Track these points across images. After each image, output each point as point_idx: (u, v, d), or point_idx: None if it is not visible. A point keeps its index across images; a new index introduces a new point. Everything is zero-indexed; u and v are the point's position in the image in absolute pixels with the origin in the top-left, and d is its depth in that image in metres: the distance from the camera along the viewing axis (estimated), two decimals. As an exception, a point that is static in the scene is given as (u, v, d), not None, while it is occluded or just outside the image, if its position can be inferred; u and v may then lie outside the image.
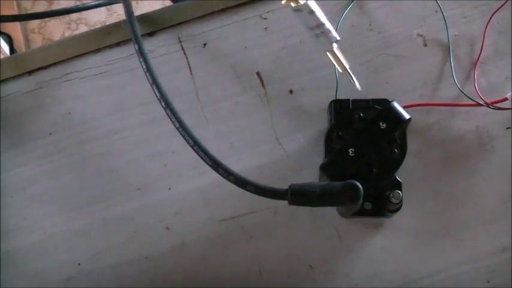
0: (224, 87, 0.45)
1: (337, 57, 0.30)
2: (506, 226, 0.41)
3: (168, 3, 0.79)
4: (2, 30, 0.48)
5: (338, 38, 0.29)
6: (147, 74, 0.39)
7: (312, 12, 0.30)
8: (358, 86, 0.30)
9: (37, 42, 1.35)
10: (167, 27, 0.46)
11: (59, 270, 0.42)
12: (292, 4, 0.29)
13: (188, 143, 0.36)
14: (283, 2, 0.30)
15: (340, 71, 0.30)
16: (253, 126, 0.44)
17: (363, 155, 0.37)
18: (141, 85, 0.44)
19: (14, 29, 1.26)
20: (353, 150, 0.37)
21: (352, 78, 0.30)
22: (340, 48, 0.44)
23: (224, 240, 0.42)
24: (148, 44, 0.44)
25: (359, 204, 0.35)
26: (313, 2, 0.29)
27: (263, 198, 0.35)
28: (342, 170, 0.37)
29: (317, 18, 0.30)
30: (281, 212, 0.42)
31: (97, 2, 0.48)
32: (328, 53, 0.30)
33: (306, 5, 0.29)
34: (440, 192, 0.42)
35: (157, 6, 0.49)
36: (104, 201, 0.43)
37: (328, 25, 0.30)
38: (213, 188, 0.43)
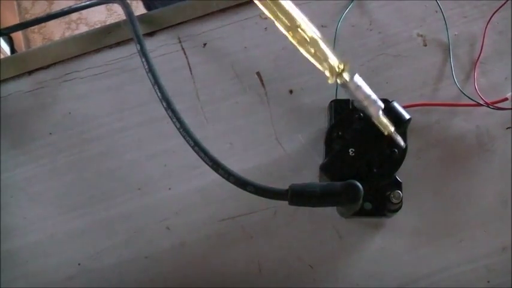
0: (224, 87, 0.45)
1: (385, 122, 0.33)
2: (506, 226, 0.41)
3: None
4: (3, 31, 0.48)
5: (383, 106, 0.32)
6: (149, 74, 0.39)
7: (358, 87, 0.32)
8: (402, 143, 0.33)
9: (37, 42, 1.35)
10: (167, 27, 0.46)
11: (59, 270, 0.42)
12: (339, 81, 0.31)
13: (189, 143, 0.36)
14: (330, 82, 0.32)
15: (386, 133, 0.33)
16: (253, 126, 0.44)
17: (363, 155, 0.37)
18: (142, 85, 0.44)
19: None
20: (353, 150, 0.37)
21: (397, 139, 0.33)
22: (340, 48, 0.45)
23: (224, 240, 0.42)
24: (148, 44, 0.44)
25: (359, 204, 0.35)
26: (359, 77, 0.31)
27: (263, 198, 0.35)
28: (342, 170, 0.37)
29: (364, 92, 0.32)
30: (281, 212, 0.42)
31: (96, 1, 0.48)
32: (375, 121, 0.32)
33: (353, 82, 0.32)
34: (440, 192, 0.42)
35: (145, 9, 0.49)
36: (104, 201, 0.43)
37: (374, 96, 0.32)
38: (213, 188, 0.43)
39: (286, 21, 0.31)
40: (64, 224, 0.43)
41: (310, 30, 0.31)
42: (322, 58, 0.31)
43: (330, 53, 0.31)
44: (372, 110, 0.32)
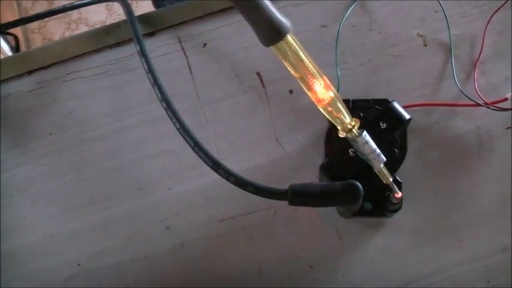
0: (224, 87, 0.45)
1: (385, 174, 0.36)
2: (506, 226, 0.41)
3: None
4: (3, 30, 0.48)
5: (385, 159, 0.35)
6: (149, 75, 0.39)
7: (366, 142, 0.35)
8: (399, 194, 0.37)
9: (37, 42, 1.35)
10: (167, 27, 0.46)
11: (59, 270, 0.42)
12: (349, 135, 0.35)
13: (189, 144, 0.36)
14: (340, 135, 0.35)
15: (385, 182, 0.36)
16: (253, 126, 0.44)
17: (363, 155, 0.37)
18: (141, 85, 0.44)
19: (14, 29, 1.26)
20: (353, 150, 0.37)
21: (394, 189, 0.36)
22: (340, 48, 0.45)
23: (224, 240, 0.42)
24: (148, 44, 0.44)
25: (359, 204, 0.35)
26: (366, 134, 0.35)
27: (263, 198, 0.35)
28: (342, 170, 0.37)
29: (370, 147, 0.35)
30: (281, 212, 0.42)
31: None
32: (377, 172, 0.36)
33: (361, 137, 0.35)
34: (440, 192, 0.42)
35: (153, 7, 0.49)
36: (104, 201, 0.43)
37: (377, 150, 0.35)
38: (213, 188, 0.43)
39: (310, 83, 0.34)
40: (64, 224, 0.43)
41: (331, 91, 0.34)
42: (337, 115, 0.35)
43: (344, 111, 0.35)
44: (375, 163, 0.35)
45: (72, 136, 0.44)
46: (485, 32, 0.44)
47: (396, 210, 0.38)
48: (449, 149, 0.43)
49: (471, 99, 0.42)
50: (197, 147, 0.36)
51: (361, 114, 0.39)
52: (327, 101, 0.34)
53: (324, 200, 0.35)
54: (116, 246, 0.42)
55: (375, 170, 0.36)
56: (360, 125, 0.35)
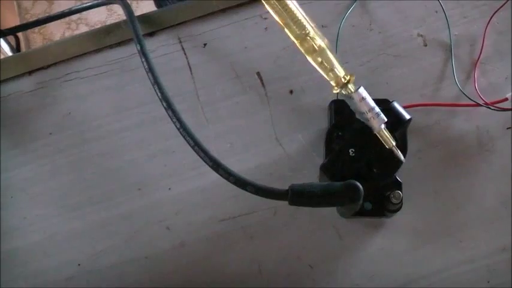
0: (224, 87, 0.45)
1: (386, 136, 0.33)
2: (506, 226, 0.41)
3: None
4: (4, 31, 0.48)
5: (385, 119, 0.32)
6: (149, 74, 0.39)
7: (363, 99, 0.32)
8: (402, 158, 0.34)
9: (37, 42, 1.35)
10: (167, 27, 0.46)
11: (59, 270, 0.42)
12: (344, 92, 0.32)
13: (189, 143, 0.36)
14: (334, 91, 0.32)
15: (387, 147, 0.33)
16: (253, 126, 0.44)
17: (363, 155, 0.37)
18: (142, 85, 0.44)
19: (14, 29, 1.26)
20: (353, 150, 0.37)
21: (398, 154, 0.33)
22: (341, 48, 0.45)
23: (224, 240, 0.42)
24: (148, 44, 0.44)
25: (359, 204, 0.35)
26: (364, 90, 0.32)
27: (263, 198, 0.35)
28: (342, 170, 0.37)
29: (368, 104, 0.32)
30: (281, 212, 0.42)
31: (96, 2, 0.48)
32: (377, 134, 0.33)
33: (357, 93, 0.32)
34: (440, 192, 0.42)
35: (155, 6, 0.49)
36: (104, 201, 0.43)
37: (377, 109, 0.32)
38: (213, 188, 0.43)
39: (296, 29, 0.31)
40: (64, 224, 0.43)
41: (319, 39, 0.32)
42: (329, 68, 0.32)
43: (336, 64, 0.32)
44: (374, 123, 0.33)
45: (72, 136, 0.44)
46: (485, 32, 0.44)
47: (396, 210, 0.38)
48: (449, 149, 0.43)
49: (471, 99, 0.42)
50: (197, 147, 0.36)
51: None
52: (317, 51, 0.31)
53: (324, 200, 0.35)
54: (116, 246, 0.42)
55: (375, 131, 0.33)
56: (362, 128, 0.34)
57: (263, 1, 0.31)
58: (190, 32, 0.46)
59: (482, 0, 0.46)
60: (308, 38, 0.32)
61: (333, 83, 0.32)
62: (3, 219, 0.43)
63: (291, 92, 0.45)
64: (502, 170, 0.42)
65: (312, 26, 0.32)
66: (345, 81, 0.32)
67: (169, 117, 0.37)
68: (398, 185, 0.38)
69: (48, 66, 0.46)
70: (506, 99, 0.41)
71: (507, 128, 0.43)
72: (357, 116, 0.34)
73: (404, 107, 0.39)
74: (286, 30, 0.32)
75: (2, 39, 1.05)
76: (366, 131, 0.37)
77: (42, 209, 0.43)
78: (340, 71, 0.32)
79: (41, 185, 0.44)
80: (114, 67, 0.46)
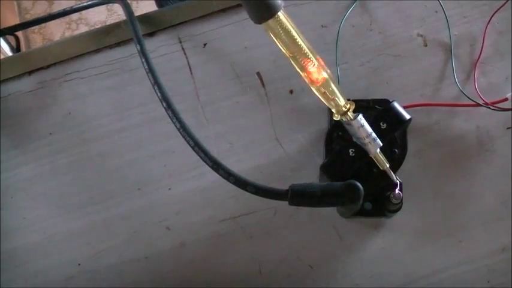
0: (224, 87, 0.45)
1: (381, 159, 0.35)
2: (506, 226, 0.41)
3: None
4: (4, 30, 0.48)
5: (381, 144, 0.35)
6: (149, 75, 0.39)
7: (361, 126, 0.35)
8: (396, 180, 0.36)
9: (37, 42, 1.35)
10: (167, 27, 0.46)
11: (59, 270, 0.42)
12: (343, 119, 0.34)
13: (189, 143, 0.36)
14: (335, 118, 0.35)
15: (381, 169, 0.36)
16: (253, 126, 0.44)
17: (363, 155, 0.37)
18: (142, 85, 0.44)
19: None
20: (353, 150, 0.37)
21: (392, 176, 0.36)
22: (341, 48, 0.45)
23: (224, 240, 0.42)
24: (148, 44, 0.44)
25: (359, 204, 0.35)
26: (362, 117, 0.34)
27: (263, 198, 0.35)
28: (342, 170, 0.37)
29: (365, 130, 0.35)
30: (281, 212, 0.42)
31: (96, 1, 0.48)
32: (373, 157, 0.35)
33: (356, 121, 0.34)
34: (440, 192, 0.42)
35: (156, 6, 0.49)
36: (104, 201, 0.43)
37: (373, 134, 0.35)
38: (213, 188, 0.43)
39: (302, 62, 0.33)
40: (64, 224, 0.43)
41: (323, 71, 0.33)
42: (331, 98, 0.34)
43: (338, 93, 0.34)
44: (371, 147, 0.35)
45: (72, 136, 0.44)
46: (485, 32, 0.44)
47: (396, 211, 0.38)
48: (449, 149, 0.43)
49: (471, 99, 0.42)
50: (197, 147, 0.36)
51: (362, 114, 0.39)
52: (320, 82, 0.33)
53: (324, 200, 0.35)
54: (116, 246, 0.42)
55: (371, 155, 0.35)
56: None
57: (270, 34, 0.32)
58: (190, 32, 0.46)
59: (482, 0, 0.46)
60: (313, 70, 0.33)
61: (334, 110, 0.35)
62: (3, 219, 0.43)
63: (291, 92, 0.45)
64: (502, 170, 0.42)
65: (316, 58, 0.33)
66: (345, 110, 0.35)
67: (169, 117, 0.37)
68: (398, 185, 0.38)
69: (48, 66, 0.46)
70: (506, 99, 0.41)
71: (507, 128, 0.43)
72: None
73: (404, 107, 0.39)
74: (291, 60, 0.33)
75: (2, 39, 1.05)
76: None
77: (42, 209, 0.43)
78: (341, 100, 0.34)
79: (41, 185, 0.44)
80: (114, 67, 0.46)
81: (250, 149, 0.44)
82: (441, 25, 0.45)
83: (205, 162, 0.36)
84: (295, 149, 0.43)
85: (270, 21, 0.31)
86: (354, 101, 0.40)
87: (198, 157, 0.36)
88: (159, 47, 0.46)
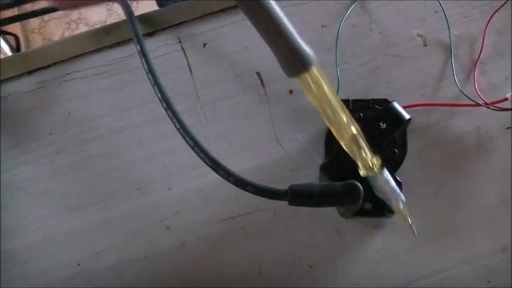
0: (224, 87, 0.45)
1: (404, 213, 0.35)
2: (506, 226, 0.41)
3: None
4: (3, 30, 0.48)
5: (404, 200, 0.35)
6: (149, 75, 0.39)
7: (386, 181, 0.34)
8: (416, 232, 0.35)
9: (37, 42, 1.35)
10: (167, 27, 0.46)
11: (59, 270, 0.42)
12: (370, 174, 0.34)
13: (188, 144, 0.36)
14: (361, 173, 0.34)
15: (405, 224, 0.35)
16: (253, 126, 0.44)
17: (363, 155, 0.37)
18: (141, 85, 0.44)
19: (14, 29, 1.26)
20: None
21: (413, 230, 0.35)
22: (340, 48, 0.45)
23: (224, 240, 0.42)
24: (148, 44, 0.44)
25: (359, 204, 0.35)
26: (387, 172, 0.35)
27: (263, 198, 0.35)
28: (342, 170, 0.37)
29: (390, 185, 0.35)
30: (281, 212, 0.42)
31: None
32: (396, 211, 0.35)
33: (382, 176, 0.34)
34: (440, 192, 0.42)
35: (157, 6, 0.49)
36: (104, 201, 0.43)
37: (397, 189, 0.35)
38: (213, 188, 0.43)
39: (332, 117, 0.33)
40: (64, 224, 0.43)
41: (352, 126, 0.33)
42: (358, 153, 0.33)
43: (366, 149, 0.34)
44: (394, 203, 0.35)
45: (72, 136, 0.44)
46: (485, 32, 0.44)
47: (396, 210, 0.38)
48: (449, 149, 0.43)
49: (471, 99, 0.42)
50: (197, 147, 0.36)
51: (361, 114, 0.39)
52: (348, 137, 0.33)
53: (324, 200, 0.35)
54: (116, 246, 0.42)
55: (394, 210, 0.35)
56: (362, 128, 0.34)
57: (302, 87, 0.32)
58: (190, 32, 0.46)
59: (482, 0, 0.46)
60: (343, 126, 0.33)
61: (360, 165, 0.34)
62: (3, 219, 0.43)
63: (291, 92, 0.45)
64: (502, 170, 0.42)
65: (346, 113, 0.33)
66: (372, 165, 0.34)
67: (169, 117, 0.37)
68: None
69: (48, 66, 0.46)
70: (506, 99, 0.41)
71: (507, 128, 0.43)
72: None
73: (404, 107, 0.39)
74: (321, 114, 0.33)
75: (2, 40, 1.05)
76: (366, 131, 0.37)
77: (42, 209, 0.43)
78: (368, 155, 0.34)
79: (41, 185, 0.44)
80: (114, 67, 0.46)
81: (250, 149, 0.44)
82: (441, 25, 0.45)
83: (205, 162, 0.36)
84: (295, 149, 0.43)
85: (303, 75, 0.31)
86: (353, 101, 0.40)
87: (198, 157, 0.36)
88: (159, 47, 0.46)
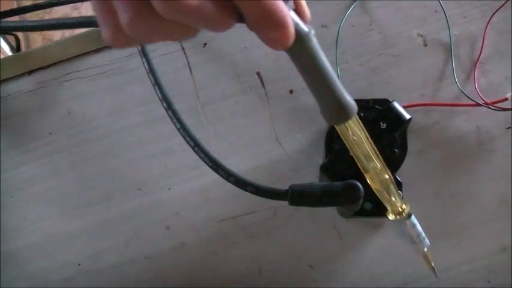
0: (224, 87, 0.45)
1: (429, 259, 0.36)
2: (506, 226, 0.41)
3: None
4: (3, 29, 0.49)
5: (429, 244, 0.36)
6: (149, 75, 0.39)
7: (413, 225, 0.35)
8: (437, 275, 0.37)
9: (37, 42, 1.35)
10: (167, 27, 0.46)
11: (59, 270, 0.42)
12: (398, 218, 0.35)
13: (189, 144, 0.36)
14: (390, 218, 0.35)
15: (428, 267, 0.36)
16: (253, 126, 0.44)
17: (363, 155, 0.37)
18: (141, 85, 0.44)
19: (14, 28, 1.26)
20: (353, 150, 0.37)
21: (435, 273, 0.36)
22: (340, 48, 0.45)
23: (224, 240, 0.42)
24: (148, 44, 0.44)
25: (359, 204, 0.35)
26: (414, 217, 0.35)
27: (263, 198, 0.35)
28: (342, 170, 0.37)
29: (417, 230, 0.36)
30: (281, 212, 0.42)
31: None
32: (420, 255, 0.36)
33: (410, 221, 0.35)
34: (440, 192, 0.42)
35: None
36: (104, 201, 0.43)
37: (423, 234, 0.36)
38: (213, 188, 0.43)
39: (366, 164, 0.34)
40: (64, 224, 0.43)
41: (385, 172, 0.34)
42: (389, 198, 0.34)
43: (396, 195, 0.35)
44: (420, 247, 0.36)
45: (72, 136, 0.44)
46: (485, 32, 0.44)
47: (396, 211, 0.38)
48: (449, 149, 0.43)
49: (471, 99, 0.42)
50: (197, 147, 0.36)
51: (361, 114, 0.39)
52: (381, 183, 0.34)
53: (324, 200, 0.35)
54: (116, 246, 0.42)
55: (419, 254, 0.36)
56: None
57: (341, 133, 0.33)
58: (190, 32, 0.46)
59: (482, 0, 0.46)
60: (376, 172, 0.34)
61: (389, 209, 0.35)
62: (3, 219, 0.43)
63: (291, 92, 0.45)
64: (502, 170, 0.42)
65: (380, 160, 0.34)
66: (401, 211, 0.35)
67: (169, 117, 0.37)
68: (398, 185, 0.38)
69: (48, 66, 0.46)
70: (506, 99, 0.41)
71: (507, 128, 0.43)
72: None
73: (404, 107, 0.39)
74: (356, 159, 0.34)
75: (2, 39, 1.05)
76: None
77: (42, 209, 0.43)
78: (398, 201, 0.35)
79: (41, 185, 0.44)
80: (114, 67, 0.46)
81: (250, 149, 0.44)
82: (441, 25, 0.45)
83: (205, 162, 0.36)
84: (295, 149, 0.43)
85: (343, 124, 0.32)
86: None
87: (198, 157, 0.36)
88: (159, 46, 0.46)
